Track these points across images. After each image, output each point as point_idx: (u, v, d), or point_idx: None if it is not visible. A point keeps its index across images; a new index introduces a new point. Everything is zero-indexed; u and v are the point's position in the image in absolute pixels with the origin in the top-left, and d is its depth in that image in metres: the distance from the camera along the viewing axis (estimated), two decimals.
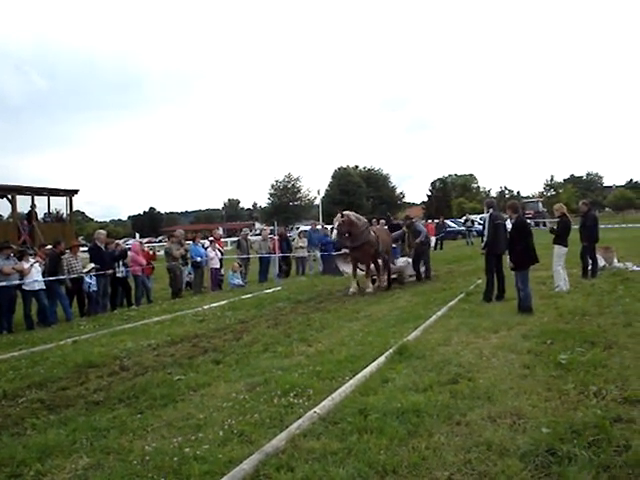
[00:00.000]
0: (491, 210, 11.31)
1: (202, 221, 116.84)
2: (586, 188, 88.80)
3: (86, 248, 17.94)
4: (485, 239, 11.17)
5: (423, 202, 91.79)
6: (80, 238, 38.53)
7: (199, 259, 16.97)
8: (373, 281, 14.93)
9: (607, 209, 79.66)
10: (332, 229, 14.29)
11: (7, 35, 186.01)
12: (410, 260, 16.21)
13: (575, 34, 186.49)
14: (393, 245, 16.92)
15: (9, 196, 26.52)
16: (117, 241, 17.55)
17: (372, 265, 14.69)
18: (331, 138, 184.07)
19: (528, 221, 11.30)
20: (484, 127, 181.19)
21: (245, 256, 19.26)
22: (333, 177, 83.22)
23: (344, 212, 14.01)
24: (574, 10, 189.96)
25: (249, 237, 21.72)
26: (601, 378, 5.53)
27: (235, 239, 29.52)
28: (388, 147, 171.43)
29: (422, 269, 15.84)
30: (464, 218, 41.40)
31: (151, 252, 17.59)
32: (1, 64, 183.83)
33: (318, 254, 20.98)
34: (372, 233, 14.43)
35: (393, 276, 15.45)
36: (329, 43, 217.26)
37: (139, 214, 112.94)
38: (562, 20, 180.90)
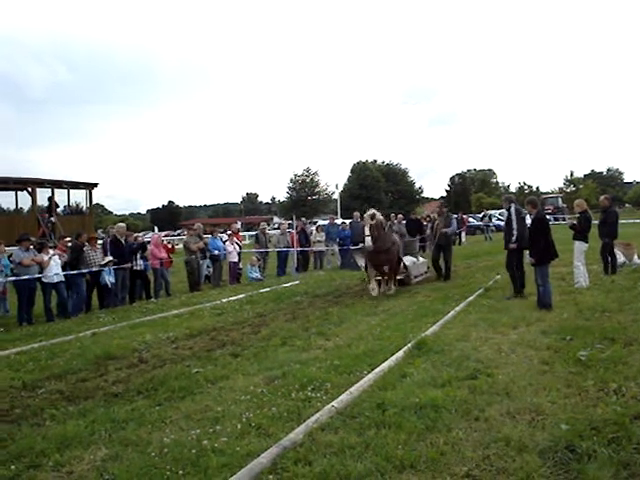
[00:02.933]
0: (513, 205, 11.10)
1: (220, 215, 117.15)
2: (606, 184, 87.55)
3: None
4: (515, 233, 10.85)
5: (442, 197, 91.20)
6: (100, 231, 38.86)
7: (217, 253, 17.03)
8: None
9: (627, 205, 78.73)
10: (359, 226, 13.47)
11: (25, 26, 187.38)
12: (414, 260, 15.42)
13: (595, 30, 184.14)
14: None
15: (29, 189, 26.87)
16: (136, 234, 17.61)
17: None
18: (351, 132, 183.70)
19: (547, 217, 11.13)
20: (504, 121, 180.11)
21: (263, 250, 19.30)
22: (352, 171, 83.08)
23: (373, 213, 12.59)
24: (598, 7, 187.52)
25: (267, 231, 21.73)
26: (621, 375, 5.49)
27: (253, 233, 29.59)
28: (409, 140, 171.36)
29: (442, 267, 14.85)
30: (482, 213, 41.31)
31: (170, 245, 17.61)
32: (17, 55, 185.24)
33: (336, 248, 20.97)
34: (394, 234, 13.84)
35: (399, 277, 14.31)
36: (351, 35, 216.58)
37: (158, 207, 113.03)
38: (585, 17, 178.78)
